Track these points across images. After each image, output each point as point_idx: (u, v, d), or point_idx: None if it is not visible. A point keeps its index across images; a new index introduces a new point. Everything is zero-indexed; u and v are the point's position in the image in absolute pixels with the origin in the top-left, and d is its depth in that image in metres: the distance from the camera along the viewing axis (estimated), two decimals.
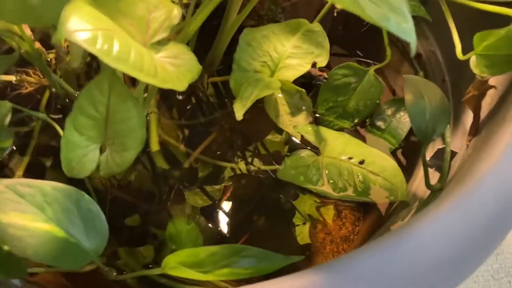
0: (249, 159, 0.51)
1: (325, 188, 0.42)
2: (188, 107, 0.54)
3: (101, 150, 0.40)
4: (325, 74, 0.45)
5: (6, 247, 0.31)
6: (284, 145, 0.49)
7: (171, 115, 0.53)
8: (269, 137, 0.52)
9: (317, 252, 0.48)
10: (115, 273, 0.37)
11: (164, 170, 0.48)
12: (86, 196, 0.31)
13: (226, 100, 0.54)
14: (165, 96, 0.54)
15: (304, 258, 0.47)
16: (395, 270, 0.26)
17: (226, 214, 0.48)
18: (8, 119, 0.42)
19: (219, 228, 0.46)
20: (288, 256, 0.30)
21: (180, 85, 0.31)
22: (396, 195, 0.42)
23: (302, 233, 0.47)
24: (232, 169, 0.50)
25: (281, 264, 0.30)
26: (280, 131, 0.50)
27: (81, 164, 0.39)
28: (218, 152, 0.51)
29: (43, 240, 0.28)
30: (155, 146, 0.46)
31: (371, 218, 0.48)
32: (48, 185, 0.30)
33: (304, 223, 0.47)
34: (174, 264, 0.30)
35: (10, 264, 0.30)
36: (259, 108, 0.51)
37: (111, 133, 0.39)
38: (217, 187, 0.49)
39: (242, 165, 0.50)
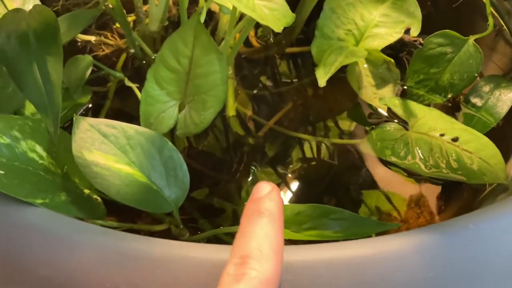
0: (323, 135, 0.48)
1: (416, 163, 0.39)
2: (262, 77, 0.51)
3: (180, 108, 0.39)
4: (420, 40, 0.41)
5: (87, 191, 0.30)
6: (364, 119, 0.46)
7: (245, 85, 0.51)
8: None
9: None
10: (188, 233, 0.35)
11: (236, 138, 0.46)
12: (169, 143, 0.30)
13: (303, 72, 0.51)
14: (239, 66, 0.52)
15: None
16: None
17: (292, 196, 0.45)
18: (88, 73, 0.42)
19: None
20: (382, 222, 0.27)
21: (276, 26, 0.28)
22: (494, 177, 0.38)
23: None
24: (302, 148, 0.47)
25: (374, 230, 0.27)
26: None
27: (159, 120, 0.38)
28: (291, 126, 0.48)
29: (125, 182, 0.27)
30: (231, 111, 0.44)
31: (455, 207, 0.44)
32: (132, 128, 0.29)
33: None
34: None
35: (90, 206, 0.29)
36: (339, 80, 0.48)
37: (191, 89, 0.37)
38: (285, 167, 0.47)
39: (313, 143, 0.47)
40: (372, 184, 0.44)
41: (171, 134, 0.42)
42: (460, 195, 0.44)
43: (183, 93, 0.38)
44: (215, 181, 0.46)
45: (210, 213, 0.43)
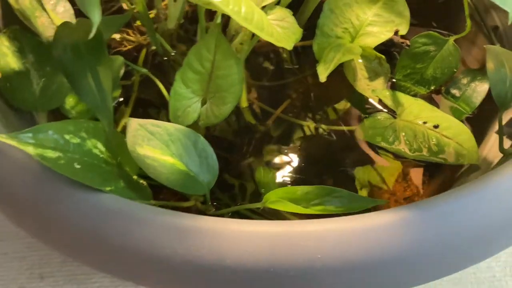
0: (323, 121, 0.55)
1: (401, 147, 0.46)
2: (269, 70, 0.58)
3: (202, 103, 0.46)
4: (407, 42, 0.48)
5: (135, 177, 0.37)
6: (363, 105, 0.53)
7: (253, 76, 0.57)
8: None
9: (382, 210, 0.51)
10: (213, 209, 0.43)
11: (248, 125, 0.53)
12: (202, 137, 0.37)
13: (306, 64, 0.58)
14: (249, 59, 0.58)
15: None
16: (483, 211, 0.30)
17: (295, 173, 0.52)
18: (122, 72, 0.48)
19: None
20: (373, 199, 0.34)
21: (288, 44, 0.35)
22: (468, 158, 0.45)
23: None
24: (303, 130, 0.54)
25: (367, 204, 0.35)
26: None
27: (185, 113, 0.44)
28: (294, 113, 0.55)
29: (170, 170, 0.34)
30: (244, 103, 0.51)
31: (436, 182, 0.52)
32: (172, 126, 0.36)
33: (361, 189, 0.51)
34: (276, 198, 0.35)
35: (141, 189, 0.36)
36: (337, 73, 0.55)
37: (213, 88, 0.44)
38: (288, 147, 0.54)
39: (312, 125, 0.54)
40: (364, 161, 0.51)
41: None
42: (441, 172, 0.51)
43: (205, 91, 0.44)
44: (228, 161, 0.53)
45: (224, 189, 0.50)
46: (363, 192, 0.51)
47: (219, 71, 0.43)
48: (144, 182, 0.37)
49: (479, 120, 0.50)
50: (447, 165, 0.49)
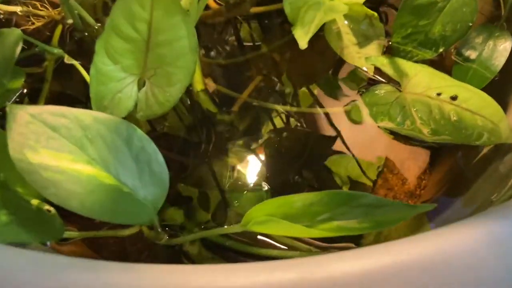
0: (299, 104, 0.43)
1: (417, 128, 0.34)
2: (227, 44, 0.45)
3: (140, 85, 0.32)
4: None
5: (35, 202, 0.23)
6: (351, 82, 0.41)
7: (208, 54, 0.44)
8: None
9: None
10: (166, 236, 0.29)
11: (205, 115, 0.40)
12: (138, 130, 0.23)
13: (272, 34, 0.45)
14: (199, 34, 0.45)
15: None
16: None
17: (269, 173, 0.40)
18: (18, 51, 0.34)
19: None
20: (413, 205, 0.22)
21: None
22: (499, 136, 0.34)
23: None
24: (272, 122, 0.42)
25: (406, 215, 0.22)
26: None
27: (115, 102, 0.31)
28: (263, 97, 0.43)
29: (89, 187, 0.20)
30: (199, 85, 0.38)
31: (440, 170, 0.41)
32: (88, 115, 0.22)
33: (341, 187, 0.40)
34: (263, 216, 0.22)
35: (43, 222, 0.22)
36: (314, 41, 0.43)
37: (153, 61, 0.31)
38: (258, 141, 0.41)
39: (282, 113, 0.42)
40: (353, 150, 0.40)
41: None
42: (446, 155, 0.40)
43: (143, 66, 0.31)
44: (182, 166, 0.40)
45: (180, 203, 0.37)
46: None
47: (160, 35, 0.29)
48: (51, 209, 0.23)
49: (503, 88, 0.39)
50: (455, 148, 0.38)
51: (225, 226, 0.24)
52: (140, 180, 0.23)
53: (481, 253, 0.17)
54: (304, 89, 0.43)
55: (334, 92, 0.41)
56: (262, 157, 0.40)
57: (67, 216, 0.29)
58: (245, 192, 0.34)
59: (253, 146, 0.41)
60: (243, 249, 0.29)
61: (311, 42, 0.42)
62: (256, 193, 0.35)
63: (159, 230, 0.28)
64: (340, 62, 0.42)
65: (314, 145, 0.41)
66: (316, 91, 0.43)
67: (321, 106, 0.41)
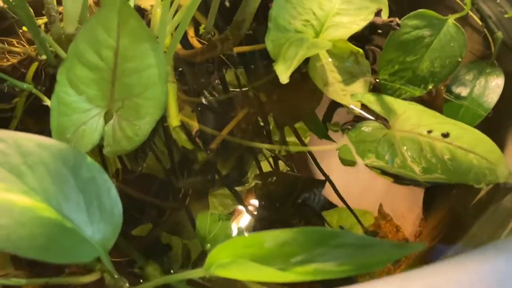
0: (285, 143, 0.40)
1: (408, 167, 0.32)
2: (210, 83, 0.43)
3: (107, 118, 0.30)
4: (397, 20, 0.35)
5: None
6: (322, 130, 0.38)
7: (188, 92, 0.42)
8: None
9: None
10: (127, 284, 0.26)
11: (183, 155, 0.37)
12: (89, 158, 0.21)
13: (255, 73, 0.44)
14: (180, 71, 0.43)
15: None
16: None
17: (254, 221, 0.37)
18: None
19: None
20: (401, 243, 0.19)
21: None
22: (497, 175, 0.32)
23: None
24: (258, 165, 0.39)
25: (392, 255, 0.19)
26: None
27: (78, 134, 0.28)
28: (245, 137, 0.40)
29: (21, 220, 0.18)
30: (175, 121, 0.35)
31: (437, 215, 0.38)
32: (30, 140, 0.20)
33: None
34: (229, 257, 0.19)
35: None
36: (298, 79, 0.41)
37: (120, 91, 0.29)
38: (241, 188, 0.39)
39: (269, 152, 0.39)
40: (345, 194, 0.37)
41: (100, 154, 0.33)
42: (444, 201, 0.37)
43: (109, 97, 0.29)
44: (160, 211, 0.37)
45: (157, 252, 0.34)
46: None
47: (127, 63, 0.27)
48: None
49: (497, 125, 0.37)
50: (455, 187, 0.36)
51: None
52: (89, 215, 0.20)
53: None
54: (292, 130, 0.41)
55: (322, 133, 0.39)
56: (249, 203, 0.37)
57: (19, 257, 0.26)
58: None
59: (239, 191, 0.38)
60: None
61: (298, 82, 0.41)
62: None
63: (116, 276, 0.24)
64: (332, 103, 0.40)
65: (303, 190, 0.39)
66: (308, 139, 0.40)
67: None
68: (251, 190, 0.39)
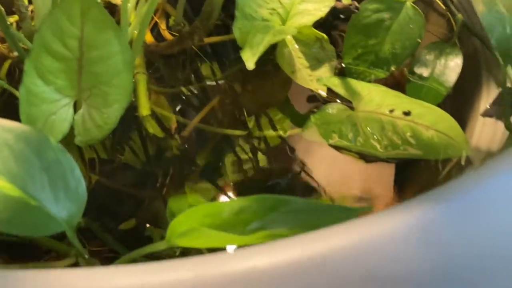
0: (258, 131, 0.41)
1: (369, 144, 0.33)
2: (179, 73, 0.44)
3: (76, 108, 0.31)
4: (356, 3, 0.36)
5: None
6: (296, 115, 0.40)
7: (162, 84, 0.43)
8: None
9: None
10: (98, 264, 0.27)
11: (158, 145, 0.38)
12: (53, 142, 0.22)
13: (226, 63, 0.45)
14: (152, 64, 0.44)
15: None
16: None
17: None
18: None
19: None
20: (348, 207, 0.21)
21: None
22: (458, 150, 0.33)
23: None
24: (231, 146, 0.40)
25: (339, 218, 0.20)
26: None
27: (48, 125, 0.29)
28: (219, 126, 0.41)
29: None
30: (145, 110, 0.36)
31: (408, 191, 0.39)
32: None
33: None
34: (187, 226, 0.20)
35: None
36: (267, 67, 0.43)
37: (87, 80, 0.30)
38: (219, 174, 0.40)
39: (245, 143, 0.40)
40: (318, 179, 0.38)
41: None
42: (415, 174, 0.39)
43: (77, 87, 0.30)
44: (138, 201, 0.38)
45: (136, 242, 0.35)
46: None
47: (92, 51, 0.28)
48: None
49: (457, 103, 0.38)
50: (423, 164, 0.37)
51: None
52: (53, 194, 0.21)
53: (410, 242, 0.15)
54: (265, 118, 0.42)
55: (297, 120, 0.40)
56: (220, 184, 0.38)
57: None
58: None
59: (212, 176, 0.39)
60: None
61: (269, 70, 0.42)
62: None
63: (86, 256, 0.25)
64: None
65: (279, 179, 0.40)
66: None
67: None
68: (229, 177, 0.40)
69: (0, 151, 0.20)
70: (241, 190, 0.38)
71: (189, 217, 0.20)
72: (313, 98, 0.39)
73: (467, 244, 0.14)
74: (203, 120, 0.41)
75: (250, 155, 0.40)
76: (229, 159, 0.40)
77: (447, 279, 0.14)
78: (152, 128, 0.36)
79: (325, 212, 0.21)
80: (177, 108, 0.42)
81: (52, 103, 0.29)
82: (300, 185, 0.38)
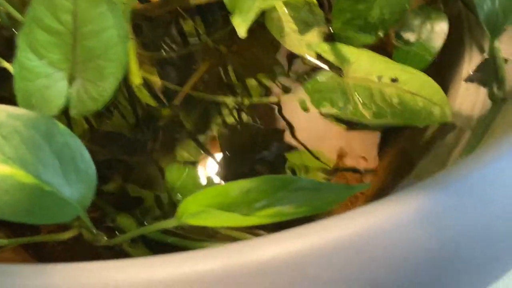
0: (246, 95, 0.42)
1: (358, 112, 0.34)
2: (169, 37, 0.44)
3: (70, 81, 0.31)
4: None
5: None
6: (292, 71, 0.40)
7: (147, 48, 0.43)
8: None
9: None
10: (105, 237, 0.28)
11: (147, 111, 0.39)
12: (61, 125, 0.22)
13: (214, 26, 0.44)
14: (138, 26, 0.43)
15: None
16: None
17: (221, 168, 0.39)
18: None
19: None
20: (349, 185, 0.22)
21: None
22: (442, 115, 0.35)
23: None
24: (221, 112, 0.41)
25: (342, 196, 0.22)
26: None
27: (44, 99, 0.29)
28: (208, 90, 0.42)
29: (4, 187, 0.19)
30: (136, 79, 0.36)
31: (391, 154, 0.41)
32: (2, 111, 0.21)
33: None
34: (198, 207, 0.21)
35: None
36: (256, 31, 0.42)
37: (81, 54, 0.29)
38: (205, 138, 0.41)
39: (233, 110, 0.41)
40: (307, 142, 0.40)
41: (66, 117, 0.34)
42: (398, 138, 0.40)
43: (71, 60, 0.29)
44: (129, 166, 0.39)
45: (128, 206, 0.36)
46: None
47: (86, 26, 0.28)
48: None
49: (439, 67, 0.39)
50: (406, 128, 0.39)
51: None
52: (65, 178, 0.21)
53: (411, 229, 0.16)
54: (254, 81, 0.43)
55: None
56: (212, 149, 0.39)
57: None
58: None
59: (202, 138, 0.40)
60: (188, 245, 0.28)
61: (251, 32, 0.42)
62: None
63: (94, 231, 0.26)
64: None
65: (265, 139, 0.41)
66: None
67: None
68: (215, 138, 0.41)
69: (11, 139, 0.20)
70: (227, 147, 0.39)
71: (198, 198, 0.21)
72: (302, 63, 0.40)
73: (466, 231, 0.16)
74: (193, 85, 0.41)
75: (238, 118, 0.41)
76: (217, 123, 0.41)
77: (446, 267, 0.15)
78: (145, 98, 0.36)
79: (328, 190, 0.22)
80: (164, 73, 0.42)
81: (46, 77, 0.29)
82: (287, 148, 0.40)
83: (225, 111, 0.41)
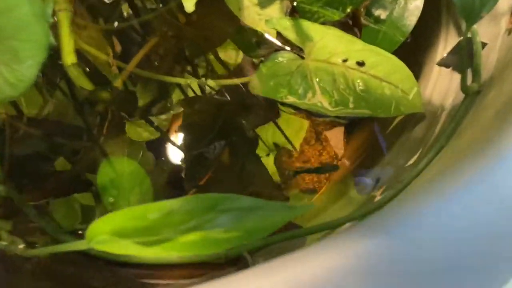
0: (204, 74, 0.38)
1: (318, 101, 0.31)
2: (115, 6, 0.39)
3: None
4: None
5: None
6: (253, 49, 0.36)
7: (92, 18, 0.38)
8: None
9: (295, 184, 0.37)
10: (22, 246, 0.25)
11: (89, 92, 0.35)
12: None
13: None
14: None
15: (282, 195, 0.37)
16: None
17: (179, 148, 0.36)
18: None
19: (171, 167, 0.35)
20: (292, 206, 0.19)
21: None
22: (411, 106, 0.32)
23: (269, 166, 0.37)
24: (182, 90, 0.38)
25: (281, 219, 0.19)
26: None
27: None
28: (161, 67, 0.38)
29: None
30: (69, 58, 0.32)
31: (358, 140, 0.38)
32: None
33: (267, 155, 0.37)
34: (107, 233, 0.18)
35: None
36: (213, 2, 0.38)
37: None
38: (164, 116, 0.37)
39: (194, 84, 0.37)
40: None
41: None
42: (364, 125, 0.37)
43: None
44: (73, 151, 0.35)
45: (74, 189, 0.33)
46: (270, 159, 0.37)
47: None
48: None
49: (413, 50, 0.36)
50: (372, 118, 0.36)
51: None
52: None
53: (348, 275, 0.13)
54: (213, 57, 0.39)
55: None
56: (174, 131, 0.36)
57: None
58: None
59: (157, 118, 0.37)
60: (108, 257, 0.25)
61: (209, 3, 0.37)
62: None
63: (10, 239, 0.23)
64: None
65: (230, 114, 0.38)
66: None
67: (236, 72, 0.37)
68: (175, 116, 0.38)
69: None
70: (190, 125, 0.36)
71: (109, 221, 0.18)
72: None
73: (403, 273, 0.13)
74: (144, 58, 0.37)
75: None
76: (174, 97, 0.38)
77: None
78: (79, 80, 0.32)
79: (265, 211, 0.19)
80: (116, 46, 0.37)
81: None
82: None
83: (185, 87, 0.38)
